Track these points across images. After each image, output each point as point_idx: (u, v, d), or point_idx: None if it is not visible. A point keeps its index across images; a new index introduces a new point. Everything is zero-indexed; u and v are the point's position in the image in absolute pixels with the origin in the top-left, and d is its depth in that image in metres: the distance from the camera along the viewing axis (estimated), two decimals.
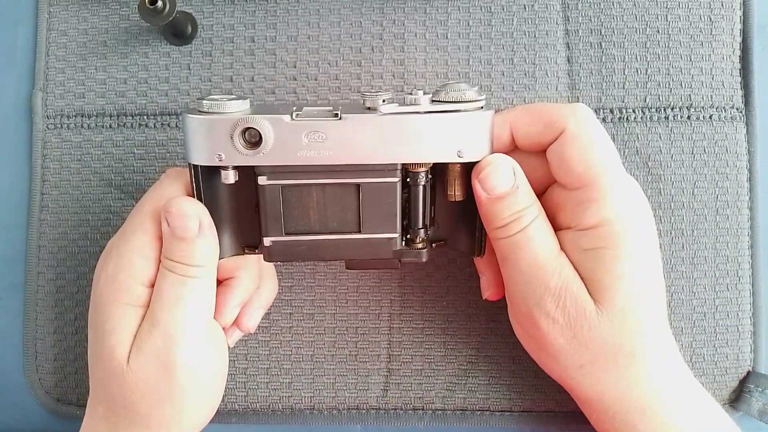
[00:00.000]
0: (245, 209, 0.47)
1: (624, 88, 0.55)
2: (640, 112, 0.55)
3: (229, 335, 0.51)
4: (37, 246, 0.57)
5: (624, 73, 0.55)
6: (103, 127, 0.57)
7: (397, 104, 0.43)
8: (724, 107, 0.55)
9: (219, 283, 0.49)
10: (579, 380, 0.46)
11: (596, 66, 0.55)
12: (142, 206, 0.46)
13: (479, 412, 0.55)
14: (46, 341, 0.56)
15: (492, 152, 0.45)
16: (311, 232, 0.46)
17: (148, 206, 0.46)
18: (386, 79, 0.56)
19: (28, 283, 0.57)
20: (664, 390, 0.45)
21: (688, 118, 0.55)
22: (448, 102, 0.43)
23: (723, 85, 0.55)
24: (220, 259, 0.47)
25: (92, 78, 0.57)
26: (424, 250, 0.47)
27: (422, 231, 0.47)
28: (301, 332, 0.56)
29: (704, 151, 0.55)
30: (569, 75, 0.56)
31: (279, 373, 0.56)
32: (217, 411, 0.50)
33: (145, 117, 0.57)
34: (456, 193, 0.46)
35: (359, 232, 0.46)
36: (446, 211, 0.49)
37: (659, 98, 0.55)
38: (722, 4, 0.55)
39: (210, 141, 0.43)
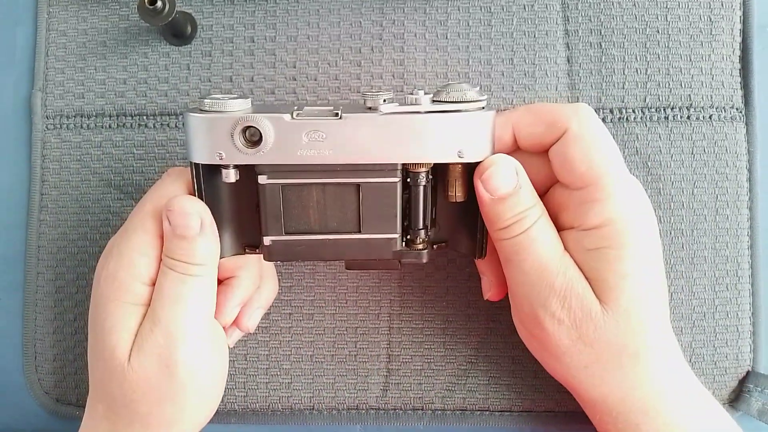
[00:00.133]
0: (246, 209, 0.47)
1: (624, 88, 0.55)
2: (640, 112, 0.55)
3: (228, 335, 0.51)
4: (37, 246, 0.57)
5: (624, 73, 0.55)
6: (102, 128, 0.57)
7: (397, 104, 0.43)
8: (723, 107, 0.55)
9: (219, 282, 0.49)
10: (583, 381, 0.46)
11: (596, 66, 0.55)
12: (144, 205, 0.46)
13: (479, 412, 0.55)
14: (46, 341, 0.56)
15: (493, 153, 0.45)
16: (311, 231, 0.46)
17: (149, 205, 0.46)
18: (386, 79, 0.56)
19: (27, 283, 0.57)
20: (667, 390, 0.45)
21: (688, 118, 0.55)
22: (449, 102, 0.43)
23: (723, 85, 0.55)
24: (220, 258, 0.47)
25: (92, 78, 0.57)
26: (425, 251, 0.47)
27: (422, 232, 0.47)
28: (301, 332, 0.56)
29: (704, 151, 0.55)
30: (569, 75, 0.56)
31: (278, 373, 0.56)
32: (217, 411, 0.50)
33: (144, 117, 0.57)
34: (457, 194, 0.46)
35: (359, 232, 0.46)
36: (447, 213, 0.49)
37: (659, 98, 0.55)
38: (722, 4, 0.55)
39: (210, 139, 0.43)
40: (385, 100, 0.43)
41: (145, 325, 0.45)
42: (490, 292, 0.50)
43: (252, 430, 0.56)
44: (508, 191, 0.44)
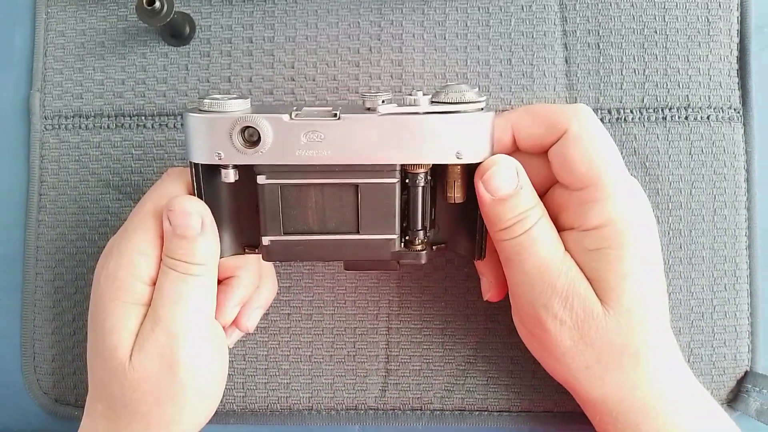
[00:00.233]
0: (246, 209, 0.47)
1: (622, 88, 0.55)
2: (638, 112, 0.55)
3: (228, 335, 0.51)
4: (35, 247, 0.57)
5: (622, 74, 0.55)
6: (101, 128, 0.57)
7: (396, 105, 0.43)
8: (721, 108, 0.55)
9: (219, 282, 0.49)
10: (583, 381, 0.46)
11: (594, 66, 0.55)
12: (144, 205, 0.46)
13: (477, 413, 0.55)
14: (45, 342, 0.56)
15: (492, 154, 0.45)
16: (310, 232, 0.46)
17: (149, 205, 0.46)
18: (384, 79, 0.56)
19: (26, 283, 0.57)
20: (667, 390, 0.45)
21: (686, 118, 0.55)
22: (447, 103, 0.43)
23: (720, 85, 0.55)
24: (220, 258, 0.47)
25: (90, 79, 0.57)
26: (423, 252, 0.47)
27: (421, 233, 0.47)
28: (300, 333, 0.56)
29: (702, 151, 0.55)
30: (567, 75, 0.56)
31: (277, 373, 0.56)
32: (216, 411, 0.50)
33: (143, 118, 0.57)
34: (456, 195, 0.46)
35: (357, 232, 0.46)
36: (447, 214, 0.49)
37: (657, 98, 0.55)
38: (720, 5, 0.55)
39: (210, 139, 0.43)
40: (383, 101, 0.43)
41: (146, 325, 0.45)
42: (489, 292, 0.50)
43: (251, 430, 0.56)
44: (509, 192, 0.44)
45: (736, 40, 0.55)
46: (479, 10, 0.56)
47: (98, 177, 0.57)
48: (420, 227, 0.47)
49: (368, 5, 0.56)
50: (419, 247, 0.47)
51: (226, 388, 0.50)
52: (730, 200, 0.55)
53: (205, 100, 0.43)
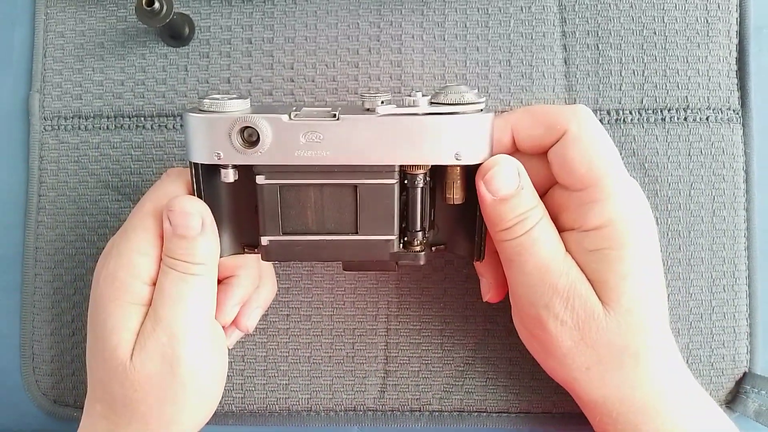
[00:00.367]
0: (245, 208, 0.47)
1: (621, 89, 0.55)
2: (637, 113, 0.55)
3: (228, 336, 0.51)
4: (34, 247, 0.57)
5: (621, 75, 0.55)
6: (100, 129, 0.57)
7: (395, 106, 0.43)
8: (720, 109, 0.55)
9: (219, 282, 0.49)
10: (584, 382, 0.46)
11: (593, 68, 0.56)
12: (143, 205, 0.46)
13: (476, 414, 0.55)
14: (44, 343, 0.56)
15: (492, 155, 0.45)
16: (309, 232, 0.46)
17: (149, 205, 0.46)
18: (383, 80, 0.56)
19: (25, 284, 0.57)
20: (667, 390, 0.45)
21: (685, 119, 0.55)
22: (446, 104, 0.43)
23: (720, 86, 0.55)
24: (220, 257, 0.47)
25: (89, 79, 0.57)
26: (422, 253, 0.47)
27: (420, 234, 0.47)
28: (298, 334, 0.56)
29: (701, 152, 0.55)
30: (566, 77, 0.56)
31: (276, 374, 0.56)
32: (215, 412, 0.50)
33: (142, 118, 0.57)
34: (455, 196, 0.46)
35: (356, 233, 0.46)
36: (446, 215, 0.49)
37: (656, 100, 0.55)
38: (719, 6, 0.55)
39: (209, 139, 0.43)
40: (383, 102, 0.43)
41: (147, 325, 0.45)
42: (489, 294, 0.50)
43: (250, 431, 0.56)
44: (510, 192, 0.44)
45: (735, 41, 0.55)
46: (478, 11, 0.56)
47: (97, 178, 0.57)
48: (419, 228, 0.47)
49: (367, 6, 0.56)
50: (418, 248, 0.47)
51: (225, 389, 0.50)
52: (729, 201, 0.55)
53: (205, 101, 0.43)
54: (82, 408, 0.48)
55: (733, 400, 0.54)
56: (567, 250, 0.45)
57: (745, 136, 0.55)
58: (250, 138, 0.43)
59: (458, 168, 0.45)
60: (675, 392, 0.45)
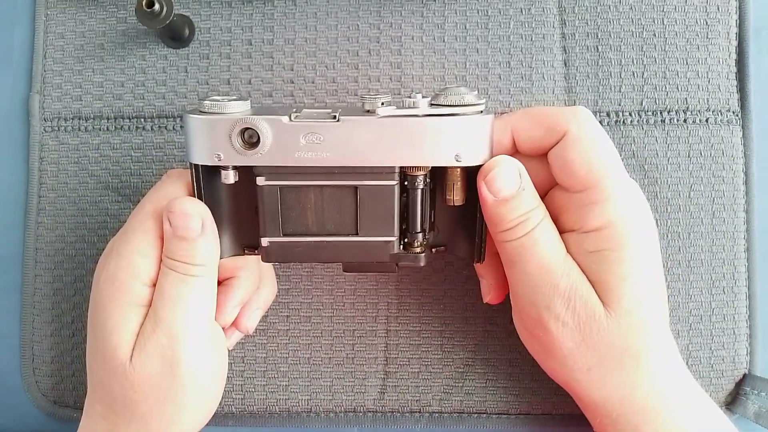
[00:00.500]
0: (245, 210, 0.47)
1: (620, 91, 0.55)
2: (637, 115, 0.55)
3: (227, 337, 0.51)
4: (34, 248, 0.57)
5: (620, 77, 0.55)
6: (100, 130, 0.57)
7: (395, 107, 0.43)
8: (720, 110, 0.55)
9: (219, 283, 0.49)
10: (585, 384, 0.46)
11: (593, 69, 0.56)
12: (144, 206, 0.46)
13: (476, 415, 0.55)
14: (44, 344, 0.56)
15: (491, 156, 0.45)
16: (309, 233, 0.46)
17: (149, 206, 0.46)
18: (383, 82, 0.56)
19: (25, 285, 0.57)
20: (667, 390, 0.45)
21: (685, 121, 0.55)
22: (446, 105, 0.43)
23: (719, 88, 0.55)
24: (220, 259, 0.47)
25: (89, 81, 0.57)
26: (422, 255, 0.47)
27: (420, 235, 0.47)
28: (298, 335, 0.56)
29: (700, 154, 0.55)
30: (566, 78, 0.56)
31: (276, 375, 0.56)
32: (214, 413, 0.50)
33: (142, 120, 0.57)
34: (455, 197, 0.46)
35: (356, 234, 0.46)
36: (446, 216, 0.49)
37: (656, 101, 0.55)
38: (718, 8, 0.55)
39: (209, 141, 0.43)
40: (383, 103, 0.43)
41: (147, 326, 0.45)
42: (489, 295, 0.50)
43: None
44: (511, 192, 0.44)
45: (735, 43, 0.56)
46: (478, 12, 0.56)
47: (97, 179, 0.57)
48: (419, 230, 0.47)
49: (367, 8, 0.56)
50: (418, 250, 0.47)
51: (224, 390, 0.50)
52: (729, 203, 0.55)
53: (205, 102, 0.44)
54: (82, 409, 0.48)
55: (732, 401, 0.54)
56: (567, 251, 0.45)
57: (745, 137, 0.55)
58: (251, 139, 0.43)
59: (458, 169, 0.45)
60: (675, 393, 0.45)
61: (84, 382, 0.49)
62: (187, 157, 0.45)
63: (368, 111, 0.44)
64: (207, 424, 0.49)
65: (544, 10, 0.56)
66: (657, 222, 0.53)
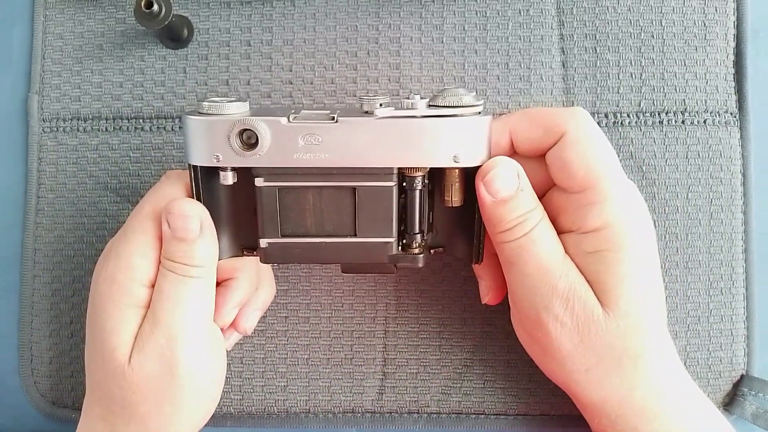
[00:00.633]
0: (244, 211, 0.47)
1: (618, 92, 0.55)
2: (635, 116, 0.55)
3: (226, 338, 0.51)
4: (33, 249, 0.57)
5: (619, 78, 0.55)
6: (99, 131, 0.57)
7: (393, 108, 0.43)
8: (718, 112, 0.55)
9: (218, 284, 0.49)
10: (583, 384, 0.46)
11: (591, 70, 0.56)
12: (142, 207, 0.46)
13: (474, 416, 0.55)
14: (42, 344, 0.56)
15: (490, 157, 0.45)
16: (307, 234, 0.46)
17: (148, 207, 0.46)
18: (382, 83, 0.56)
19: (23, 285, 0.57)
20: (666, 391, 0.45)
21: (683, 122, 0.55)
22: (444, 107, 0.43)
23: (717, 89, 0.55)
24: (219, 260, 0.47)
25: (88, 81, 0.57)
26: (420, 256, 0.47)
27: (419, 236, 0.47)
28: (297, 335, 0.56)
29: (698, 155, 0.55)
30: (564, 79, 0.56)
31: (274, 376, 0.56)
32: (213, 414, 0.50)
33: (141, 120, 0.57)
34: (453, 198, 0.46)
35: (355, 235, 0.46)
36: (445, 217, 0.49)
37: (654, 103, 0.55)
38: (716, 9, 0.55)
39: (208, 142, 0.43)
40: (381, 105, 0.43)
41: (145, 327, 0.45)
42: (488, 296, 0.50)
43: None
44: (510, 193, 0.44)
45: (733, 44, 0.56)
46: (477, 14, 0.56)
47: (96, 180, 0.57)
48: (417, 231, 0.47)
49: (366, 9, 0.57)
50: (416, 251, 0.47)
51: (223, 390, 0.50)
52: (727, 204, 0.55)
53: (204, 103, 0.44)
54: (81, 409, 0.48)
55: (730, 402, 0.54)
56: (566, 252, 0.45)
57: (743, 139, 0.55)
58: (249, 140, 0.43)
59: (456, 170, 0.45)
60: (673, 394, 0.45)
61: (82, 383, 0.49)
62: (185, 158, 0.45)
63: (367, 112, 0.44)
64: (205, 425, 0.49)
65: (542, 12, 0.56)
66: (655, 223, 0.54)
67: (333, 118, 0.43)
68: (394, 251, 0.47)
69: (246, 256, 0.49)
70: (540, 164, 0.47)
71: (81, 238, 0.56)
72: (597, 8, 0.56)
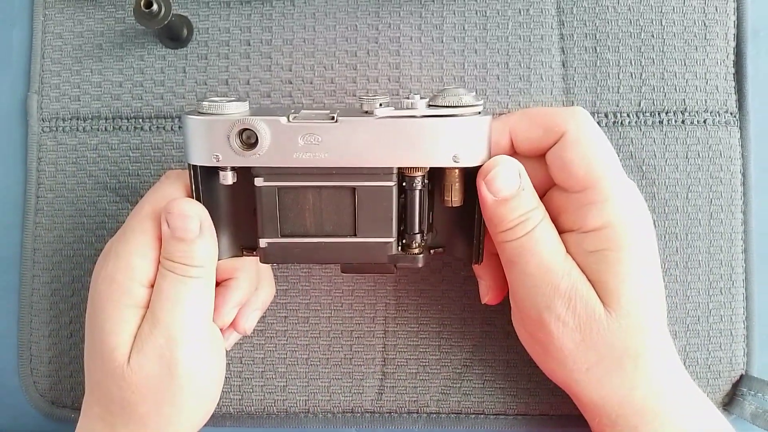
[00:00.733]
0: (243, 211, 0.47)
1: (618, 92, 0.55)
2: (635, 116, 0.55)
3: (226, 338, 0.51)
4: (32, 249, 0.56)
5: (618, 78, 0.55)
6: (98, 130, 0.57)
7: (393, 108, 0.43)
8: (718, 111, 0.55)
9: (217, 284, 0.49)
10: (584, 384, 0.46)
11: (591, 70, 0.56)
12: (142, 207, 0.46)
13: (474, 416, 0.55)
14: (41, 344, 0.56)
15: (490, 157, 0.45)
16: (307, 234, 0.46)
17: (147, 207, 0.46)
18: (382, 82, 0.56)
19: (23, 285, 0.56)
20: (666, 391, 0.45)
21: (683, 122, 0.55)
22: (444, 106, 0.43)
23: (717, 89, 0.55)
24: (218, 260, 0.47)
25: (87, 81, 0.57)
26: (420, 256, 0.47)
27: (418, 236, 0.47)
28: (296, 335, 0.56)
29: (698, 155, 0.55)
30: (564, 79, 0.56)
31: (274, 376, 0.56)
32: (212, 414, 0.50)
33: (140, 120, 0.57)
34: (453, 198, 0.46)
35: (354, 235, 0.46)
36: (444, 217, 0.49)
37: (654, 102, 0.55)
38: (716, 9, 0.55)
39: (208, 141, 0.43)
40: (381, 104, 0.43)
41: (145, 327, 0.45)
42: (488, 296, 0.50)
43: None
44: (511, 192, 0.44)
45: (733, 44, 0.56)
46: (477, 13, 0.56)
47: (95, 179, 0.57)
48: (417, 231, 0.47)
49: (366, 8, 0.56)
50: (416, 251, 0.47)
51: (222, 390, 0.50)
52: (727, 204, 0.55)
53: (204, 103, 0.44)
54: (80, 409, 0.48)
55: (730, 402, 0.54)
56: (567, 251, 0.45)
57: (743, 138, 0.55)
58: (249, 140, 0.43)
59: (456, 170, 0.45)
60: (674, 393, 0.45)
61: (82, 383, 0.49)
62: (185, 157, 0.45)
63: (366, 112, 0.44)
64: (205, 425, 0.49)
65: (542, 11, 0.56)
66: (654, 223, 0.54)
67: (333, 118, 0.43)
68: (394, 251, 0.47)
69: (245, 256, 0.49)
70: (540, 164, 0.47)
71: (80, 238, 0.56)
72: (597, 8, 0.56)
